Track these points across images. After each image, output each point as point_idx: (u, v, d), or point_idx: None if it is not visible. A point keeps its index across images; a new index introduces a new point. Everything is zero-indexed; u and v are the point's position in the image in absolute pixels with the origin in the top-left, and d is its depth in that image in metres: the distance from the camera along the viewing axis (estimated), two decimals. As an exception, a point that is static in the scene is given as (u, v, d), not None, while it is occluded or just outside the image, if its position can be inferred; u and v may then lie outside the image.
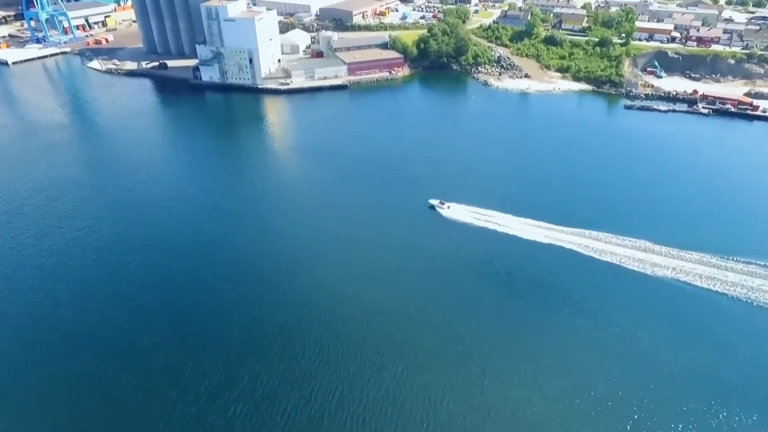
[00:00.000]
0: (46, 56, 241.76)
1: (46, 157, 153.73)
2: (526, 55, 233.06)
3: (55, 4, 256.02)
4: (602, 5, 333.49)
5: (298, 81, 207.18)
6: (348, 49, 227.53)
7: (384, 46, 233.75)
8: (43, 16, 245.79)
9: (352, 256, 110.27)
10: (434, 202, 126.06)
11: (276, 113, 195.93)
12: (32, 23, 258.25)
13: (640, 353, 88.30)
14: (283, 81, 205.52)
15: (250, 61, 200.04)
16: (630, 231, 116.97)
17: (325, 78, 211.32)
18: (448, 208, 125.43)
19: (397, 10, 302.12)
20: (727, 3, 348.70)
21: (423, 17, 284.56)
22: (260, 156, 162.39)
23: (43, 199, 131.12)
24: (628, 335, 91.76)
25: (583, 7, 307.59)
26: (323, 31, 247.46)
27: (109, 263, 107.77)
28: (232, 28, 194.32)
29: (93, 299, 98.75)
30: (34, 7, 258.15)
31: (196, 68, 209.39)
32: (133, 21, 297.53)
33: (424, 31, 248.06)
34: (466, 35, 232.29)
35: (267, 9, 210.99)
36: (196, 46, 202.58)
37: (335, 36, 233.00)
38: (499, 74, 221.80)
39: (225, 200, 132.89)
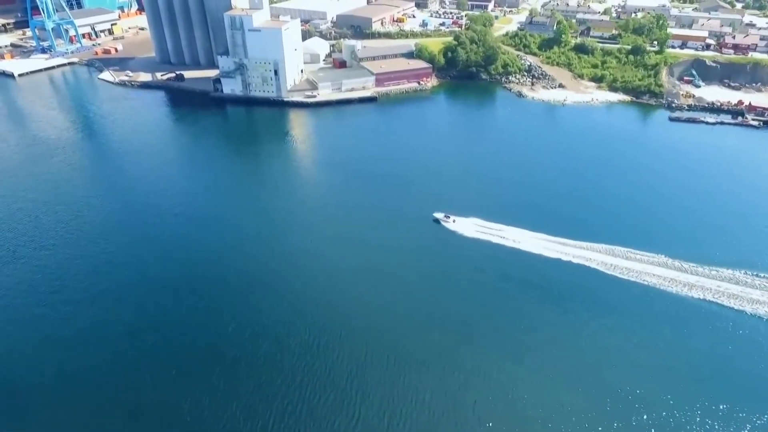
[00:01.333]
0: (53, 67, 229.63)
1: (61, 177, 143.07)
2: (557, 64, 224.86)
3: (60, 11, 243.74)
4: (619, 9, 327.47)
5: (324, 93, 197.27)
6: (374, 58, 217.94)
7: (409, 55, 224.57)
8: (50, 25, 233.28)
9: (366, 272, 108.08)
10: (439, 215, 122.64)
11: (302, 128, 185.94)
12: (37, 32, 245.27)
13: (666, 371, 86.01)
14: (309, 93, 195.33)
15: (275, 72, 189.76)
16: (667, 251, 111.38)
17: (352, 90, 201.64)
18: (454, 221, 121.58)
19: (414, 17, 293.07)
20: (744, 7, 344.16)
21: (443, 24, 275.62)
22: (285, 173, 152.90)
23: (60, 221, 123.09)
24: (649, 352, 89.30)
25: (604, 13, 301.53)
26: (345, 39, 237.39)
27: (130, 286, 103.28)
28: (257, 39, 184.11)
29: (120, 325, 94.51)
30: (39, 15, 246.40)
31: (216, 80, 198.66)
32: (141, 28, 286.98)
33: (448, 39, 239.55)
34: (495, 43, 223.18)
35: (282, 17, 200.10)
36: (218, 57, 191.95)
37: (359, 45, 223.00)
38: (532, 84, 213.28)
39: (245, 218, 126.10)
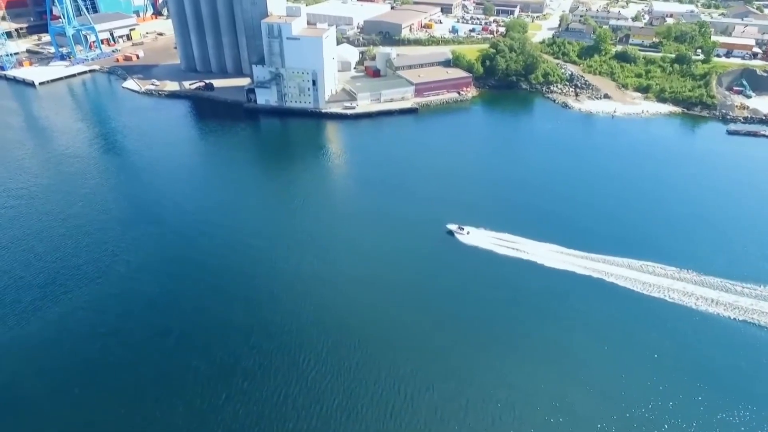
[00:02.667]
0: (74, 75, 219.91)
1: (91, 196, 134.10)
2: (599, 73, 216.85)
3: (79, 16, 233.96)
4: (647, 13, 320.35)
5: (363, 104, 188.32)
6: (410, 67, 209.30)
7: (446, 63, 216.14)
8: (70, 31, 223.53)
9: (383, 282, 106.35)
10: (453, 227, 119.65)
11: (340, 141, 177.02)
12: (56, 38, 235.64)
13: (694, 390, 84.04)
14: (348, 105, 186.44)
15: (314, 82, 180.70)
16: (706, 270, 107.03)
17: (391, 100, 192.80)
18: (467, 235, 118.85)
19: (441, 23, 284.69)
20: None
21: (473, 30, 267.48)
22: (319, 188, 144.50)
23: (90, 241, 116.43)
24: (675, 371, 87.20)
25: (636, 19, 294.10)
26: (374, 46, 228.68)
27: (160, 309, 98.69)
28: (295, 47, 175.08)
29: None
30: (56, 20, 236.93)
31: (250, 90, 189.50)
32: (159, 34, 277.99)
33: (483, 46, 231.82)
34: (535, 51, 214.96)
35: (319, 24, 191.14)
36: (252, 66, 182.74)
37: (393, 53, 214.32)
38: (576, 94, 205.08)
39: (272, 232, 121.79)
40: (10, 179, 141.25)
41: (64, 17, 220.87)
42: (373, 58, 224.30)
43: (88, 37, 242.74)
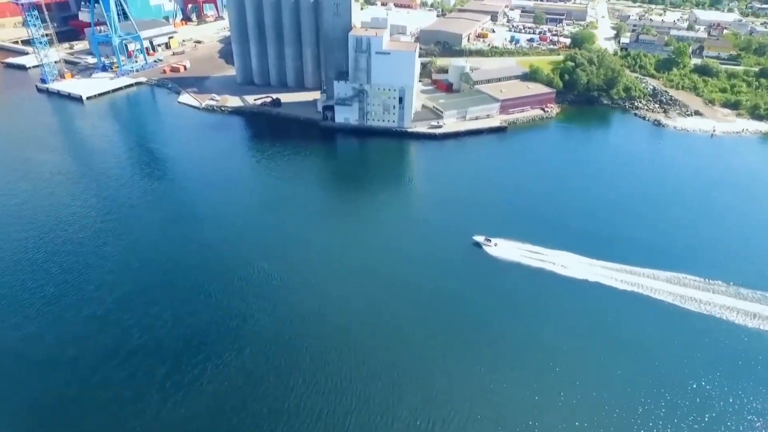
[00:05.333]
0: (120, 88, 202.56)
1: (165, 231, 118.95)
2: (682, 87, 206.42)
3: (124, 20, 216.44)
4: (694, 21, 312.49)
5: (450, 123, 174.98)
6: (488, 81, 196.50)
7: (523, 77, 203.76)
8: (116, 41, 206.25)
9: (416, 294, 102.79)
10: (479, 238, 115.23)
11: (426, 164, 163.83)
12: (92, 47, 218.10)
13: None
14: (434, 123, 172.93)
15: (400, 100, 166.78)
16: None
17: (476, 118, 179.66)
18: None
19: (494, 31, 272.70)
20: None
21: (531, 40, 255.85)
22: (402, 220, 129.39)
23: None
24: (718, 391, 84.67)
25: (689, 28, 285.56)
26: (452, 59, 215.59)
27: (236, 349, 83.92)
28: (384, 62, 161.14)
29: None
30: (88, 26, 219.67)
31: (327, 107, 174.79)
32: (197, 42, 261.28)
33: (552, 58, 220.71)
34: (616, 65, 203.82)
35: (403, 37, 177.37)
36: (335, 82, 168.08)
37: (468, 65, 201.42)
38: (664, 111, 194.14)
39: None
40: (81, 213, 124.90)
41: (110, 26, 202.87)
42: (441, 71, 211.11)
43: (127, 45, 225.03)
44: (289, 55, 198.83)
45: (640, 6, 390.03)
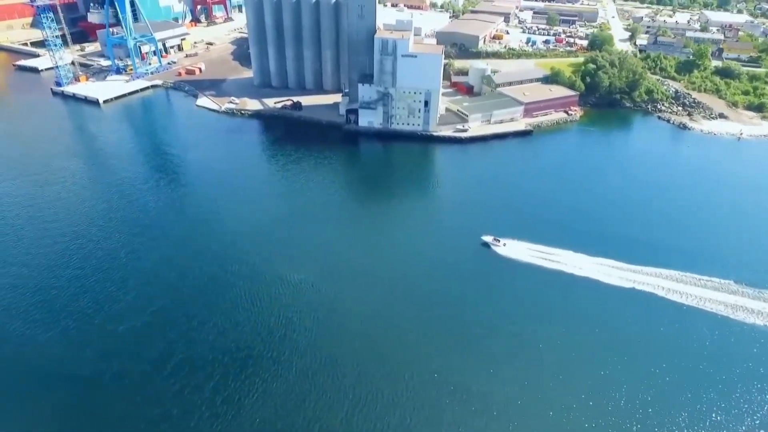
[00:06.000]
0: (136, 91, 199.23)
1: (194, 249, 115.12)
2: (704, 90, 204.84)
3: (136, 22, 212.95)
4: (695, 20, 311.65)
5: (475, 126, 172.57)
6: (510, 84, 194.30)
7: (544, 79, 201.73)
8: (131, 43, 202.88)
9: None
10: (488, 238, 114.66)
11: (452, 168, 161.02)
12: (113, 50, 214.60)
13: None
14: (460, 127, 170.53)
15: (426, 103, 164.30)
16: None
17: (501, 121, 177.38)
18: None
19: (508, 33, 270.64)
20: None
21: (547, 42, 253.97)
22: (429, 230, 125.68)
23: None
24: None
25: (703, 30, 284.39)
26: (471, 60, 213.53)
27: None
28: (410, 65, 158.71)
29: None
30: (100, 27, 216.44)
31: (350, 111, 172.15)
32: (209, 43, 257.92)
33: (570, 60, 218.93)
34: (638, 67, 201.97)
35: (427, 39, 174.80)
36: (359, 85, 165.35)
37: (488, 68, 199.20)
38: (688, 114, 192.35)
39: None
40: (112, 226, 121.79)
41: (125, 28, 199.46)
42: (460, 73, 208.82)
43: (140, 48, 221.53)
44: (308, 57, 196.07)
45: (648, 7, 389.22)
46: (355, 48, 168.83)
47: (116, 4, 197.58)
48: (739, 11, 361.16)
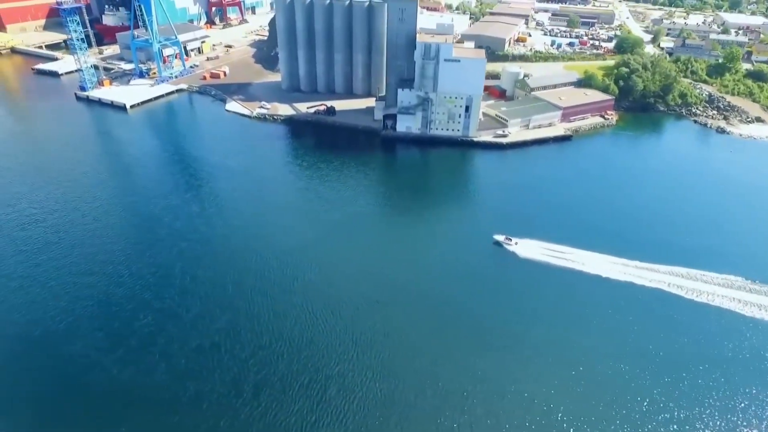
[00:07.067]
0: (162, 96, 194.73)
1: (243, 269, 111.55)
2: (737, 93, 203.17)
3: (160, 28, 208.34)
4: (710, 22, 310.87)
5: (514, 131, 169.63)
6: (544, 88, 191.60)
7: (578, 83, 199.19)
8: (156, 46, 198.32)
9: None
10: (500, 237, 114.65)
11: (493, 175, 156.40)
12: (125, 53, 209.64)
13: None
14: (500, 132, 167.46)
15: (467, 108, 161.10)
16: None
17: (539, 126, 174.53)
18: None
19: (530, 35, 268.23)
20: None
21: (571, 44, 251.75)
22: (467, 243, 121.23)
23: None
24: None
25: (723, 32, 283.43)
26: (505, 64, 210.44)
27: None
28: (453, 70, 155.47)
29: None
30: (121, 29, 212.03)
31: (388, 116, 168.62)
32: (227, 46, 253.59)
33: (600, 63, 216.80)
34: (671, 71, 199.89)
35: (467, 43, 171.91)
36: (399, 90, 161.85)
37: (522, 72, 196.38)
38: (725, 118, 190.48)
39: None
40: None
41: (150, 31, 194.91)
42: (490, 77, 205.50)
43: (162, 51, 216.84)
44: (339, 61, 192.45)
45: (660, 9, 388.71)
46: (394, 52, 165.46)
47: (142, 6, 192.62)
48: (753, 13, 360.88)
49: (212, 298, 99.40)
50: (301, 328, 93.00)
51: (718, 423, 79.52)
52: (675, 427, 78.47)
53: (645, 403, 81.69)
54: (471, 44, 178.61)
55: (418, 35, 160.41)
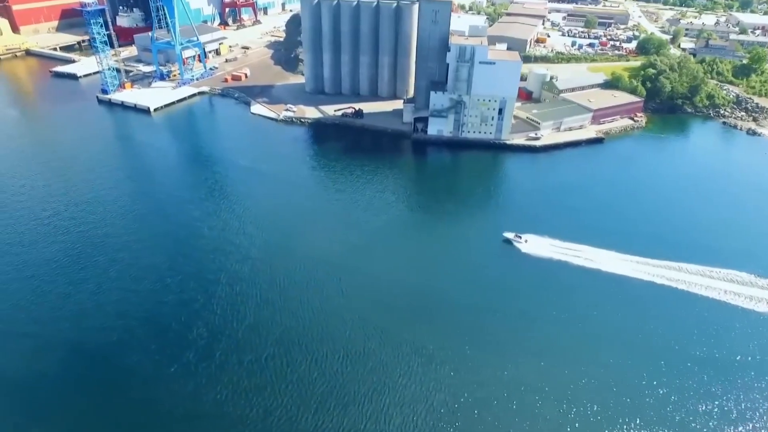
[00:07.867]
0: (184, 98, 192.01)
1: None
2: (765, 94, 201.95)
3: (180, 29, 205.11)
4: (723, 22, 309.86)
5: (546, 134, 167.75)
6: (572, 90, 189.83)
7: (605, 85, 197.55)
8: (179, 48, 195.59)
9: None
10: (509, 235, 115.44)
11: (529, 178, 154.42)
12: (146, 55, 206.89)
13: None
14: (532, 135, 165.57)
15: (500, 111, 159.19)
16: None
17: (569, 129, 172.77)
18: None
19: (549, 36, 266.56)
20: None
21: (591, 45, 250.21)
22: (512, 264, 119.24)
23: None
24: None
25: (743, 32, 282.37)
26: (534, 66, 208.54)
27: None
28: (487, 72, 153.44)
29: None
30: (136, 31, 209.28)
31: (418, 119, 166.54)
32: (244, 47, 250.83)
33: (623, 64, 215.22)
34: (698, 72, 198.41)
35: (499, 44, 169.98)
36: (431, 93, 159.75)
37: (548, 73, 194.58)
38: (755, 119, 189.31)
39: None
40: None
41: (171, 32, 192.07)
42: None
43: (182, 52, 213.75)
44: (365, 63, 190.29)
45: (671, 8, 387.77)
46: (425, 54, 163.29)
47: (164, 7, 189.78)
48: (765, 13, 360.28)
49: (263, 309, 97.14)
50: (355, 338, 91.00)
51: (742, 421, 79.64)
52: (695, 425, 78.75)
53: (672, 399, 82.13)
54: (503, 46, 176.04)
55: (450, 37, 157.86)
